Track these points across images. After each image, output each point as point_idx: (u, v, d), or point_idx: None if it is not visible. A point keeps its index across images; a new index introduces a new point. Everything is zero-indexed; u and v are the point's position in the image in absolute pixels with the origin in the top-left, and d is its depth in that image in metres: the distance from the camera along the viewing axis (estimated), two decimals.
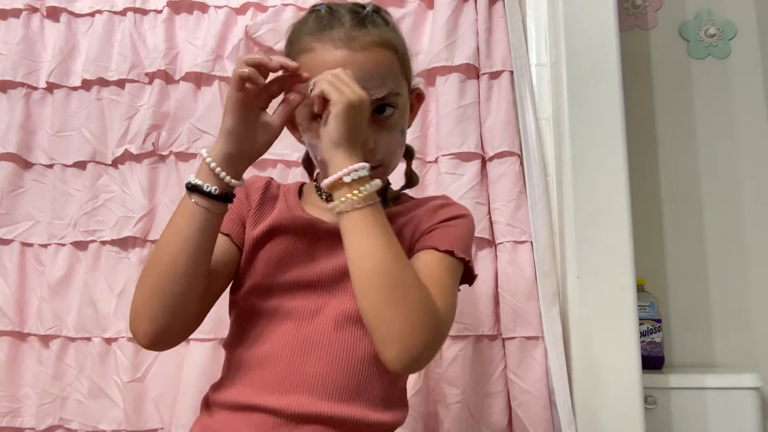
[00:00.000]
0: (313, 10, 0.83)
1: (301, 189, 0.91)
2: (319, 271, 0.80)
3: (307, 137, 0.83)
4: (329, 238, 0.81)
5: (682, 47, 1.76)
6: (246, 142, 0.75)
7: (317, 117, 0.78)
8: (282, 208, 0.85)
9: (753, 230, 1.66)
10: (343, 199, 0.71)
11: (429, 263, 0.78)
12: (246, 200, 0.86)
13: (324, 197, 0.87)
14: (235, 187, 0.76)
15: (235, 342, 0.82)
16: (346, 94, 0.71)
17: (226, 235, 0.83)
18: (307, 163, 0.95)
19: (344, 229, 0.73)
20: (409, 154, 0.96)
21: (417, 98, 0.91)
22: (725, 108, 1.72)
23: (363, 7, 0.82)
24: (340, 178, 0.71)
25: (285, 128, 0.89)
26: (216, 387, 0.82)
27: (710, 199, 1.69)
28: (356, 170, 0.71)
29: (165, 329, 0.75)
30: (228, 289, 0.86)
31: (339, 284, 0.80)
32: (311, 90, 0.74)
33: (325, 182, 0.73)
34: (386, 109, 0.80)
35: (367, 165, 0.72)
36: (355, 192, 0.71)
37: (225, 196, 0.75)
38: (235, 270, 0.84)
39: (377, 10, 0.84)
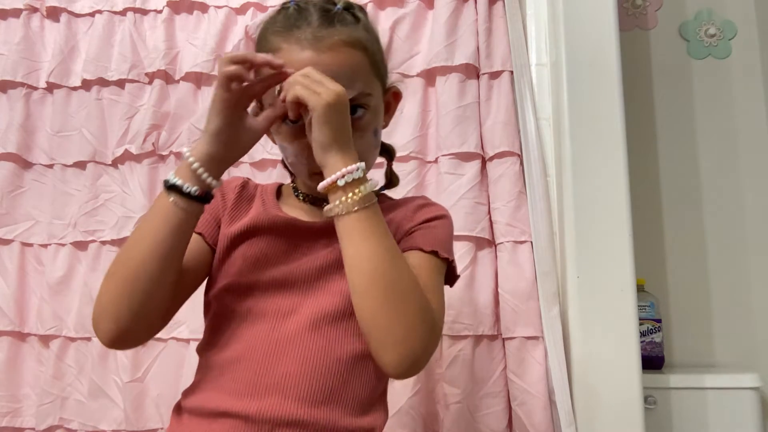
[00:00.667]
0: (283, 7, 0.81)
1: (279, 190, 0.90)
2: (295, 271, 0.78)
3: (278, 139, 0.83)
4: (307, 237, 0.80)
5: (682, 47, 1.76)
6: (230, 144, 0.74)
7: (286, 119, 0.77)
8: (259, 208, 0.83)
9: (753, 230, 1.66)
10: (338, 202, 0.71)
11: (416, 265, 0.77)
12: (222, 199, 0.85)
13: (302, 198, 0.86)
14: (214, 188, 0.75)
15: (208, 345, 0.80)
16: (323, 96, 0.69)
17: (199, 234, 0.82)
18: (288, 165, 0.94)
19: (341, 232, 0.72)
20: (389, 154, 0.95)
21: (394, 97, 0.89)
22: (725, 108, 1.72)
23: (334, 3, 0.80)
24: (335, 182, 0.70)
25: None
26: (187, 392, 0.79)
27: (710, 199, 1.69)
28: (350, 172, 0.70)
29: (128, 330, 0.73)
30: (203, 291, 0.84)
31: (315, 284, 0.78)
32: (279, 92, 0.73)
33: (320, 186, 0.72)
34: (356, 111, 0.78)
35: (362, 165, 0.71)
36: (351, 195, 0.70)
37: (204, 197, 0.74)
38: (208, 270, 0.82)
39: (348, 7, 0.81)
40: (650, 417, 1.26)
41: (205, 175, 0.73)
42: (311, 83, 0.70)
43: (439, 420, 1.20)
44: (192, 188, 0.72)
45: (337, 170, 0.70)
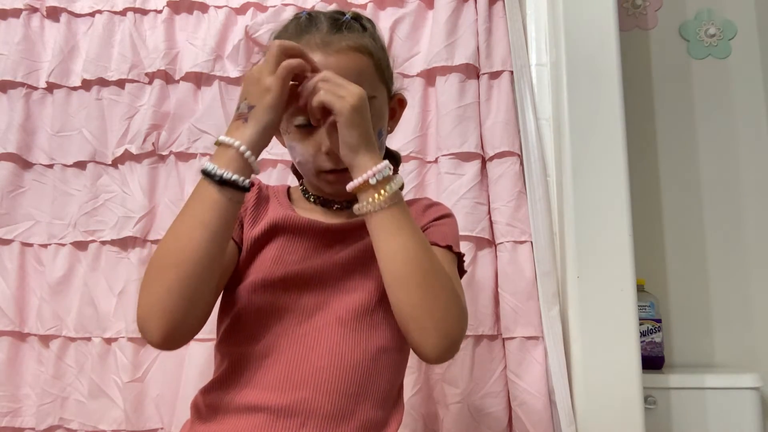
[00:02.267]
0: (295, 17, 0.86)
1: (288, 192, 0.92)
2: (320, 269, 0.80)
3: (287, 138, 0.84)
4: (327, 238, 0.82)
5: (682, 47, 1.76)
6: (270, 139, 0.75)
7: (296, 117, 0.79)
8: (277, 209, 0.85)
9: (753, 230, 1.66)
10: (370, 200, 0.72)
11: None
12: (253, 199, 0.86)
13: (313, 200, 0.88)
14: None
15: (232, 341, 0.81)
16: (347, 99, 0.71)
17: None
18: (296, 168, 0.95)
19: (374, 228, 0.74)
20: (395, 160, 0.97)
21: (399, 103, 0.92)
22: (725, 108, 1.72)
23: (343, 14, 0.84)
24: (366, 181, 0.72)
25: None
26: (210, 388, 0.80)
27: (710, 199, 1.69)
28: (380, 171, 0.72)
29: (180, 324, 0.71)
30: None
31: (339, 282, 0.80)
32: (305, 94, 0.74)
33: (350, 186, 0.74)
34: None
35: (387, 163, 0.74)
36: (381, 192, 0.72)
37: (249, 186, 0.73)
38: (235, 268, 0.84)
39: (357, 18, 0.86)
40: (650, 417, 1.26)
41: (255, 165, 0.73)
42: (333, 87, 0.73)
43: (439, 420, 1.20)
44: (246, 181, 0.72)
45: (368, 170, 0.72)
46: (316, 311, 0.78)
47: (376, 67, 0.83)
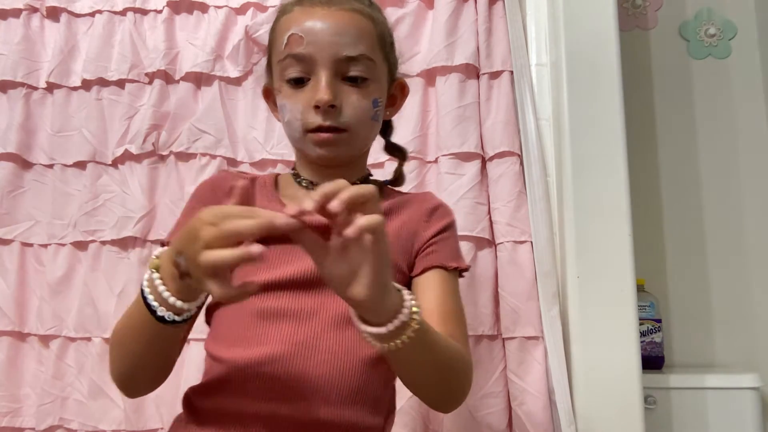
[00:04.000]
0: None
1: (276, 180, 0.88)
2: (314, 270, 0.77)
3: (279, 98, 0.82)
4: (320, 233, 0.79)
5: (682, 47, 1.76)
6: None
7: (288, 69, 0.79)
8: (266, 207, 0.79)
9: (753, 230, 1.66)
10: (392, 344, 0.62)
11: (441, 289, 0.80)
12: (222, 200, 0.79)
13: (305, 185, 0.85)
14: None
15: (223, 343, 0.77)
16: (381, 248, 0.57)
17: None
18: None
19: (394, 360, 0.67)
20: (402, 154, 0.96)
21: (401, 89, 0.90)
22: (725, 108, 1.72)
23: None
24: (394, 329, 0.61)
25: (271, 112, 0.90)
26: (203, 391, 0.77)
27: (710, 199, 1.69)
28: (400, 317, 0.61)
29: (134, 387, 0.79)
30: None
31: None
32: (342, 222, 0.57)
33: (372, 333, 0.62)
34: (359, 80, 0.80)
35: (409, 301, 0.62)
36: (402, 338, 0.62)
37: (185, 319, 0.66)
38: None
39: None
40: (650, 417, 1.26)
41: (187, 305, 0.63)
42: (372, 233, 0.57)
43: (439, 420, 1.20)
44: (184, 316, 0.64)
45: (388, 322, 0.60)
46: (312, 315, 0.75)
47: (378, 37, 0.82)
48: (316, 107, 0.77)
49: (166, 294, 0.62)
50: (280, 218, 0.54)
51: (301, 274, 0.77)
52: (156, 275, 0.63)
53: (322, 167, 0.85)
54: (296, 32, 0.78)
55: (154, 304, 0.63)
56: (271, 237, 0.68)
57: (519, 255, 1.23)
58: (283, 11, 0.84)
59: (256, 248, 0.53)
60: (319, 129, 0.78)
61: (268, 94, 0.90)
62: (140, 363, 0.73)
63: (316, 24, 0.78)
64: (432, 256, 0.83)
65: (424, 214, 0.86)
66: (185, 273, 0.59)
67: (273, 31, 0.85)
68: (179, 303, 0.62)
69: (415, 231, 0.84)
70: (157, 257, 0.64)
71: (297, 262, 0.77)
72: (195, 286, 0.59)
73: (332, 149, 0.80)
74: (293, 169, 0.89)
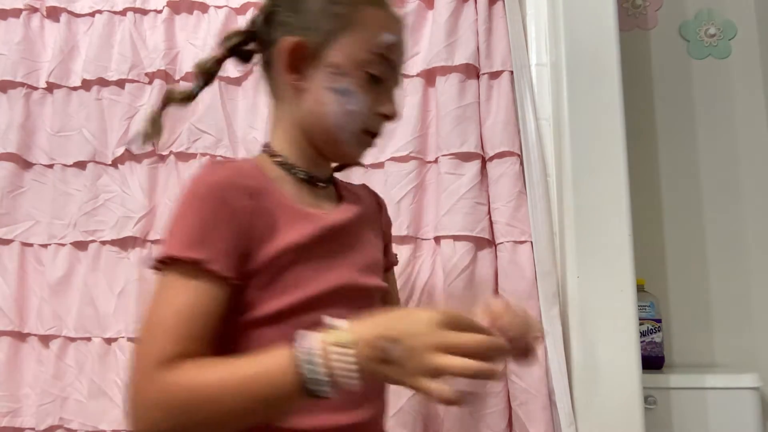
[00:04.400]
0: None
1: (272, 180, 0.80)
2: (350, 275, 0.76)
3: (347, 82, 0.76)
4: (344, 234, 0.77)
5: (682, 47, 1.76)
6: None
7: (373, 65, 0.76)
8: (292, 226, 0.73)
9: (753, 230, 1.66)
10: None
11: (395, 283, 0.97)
12: (245, 216, 0.69)
13: (301, 176, 0.78)
14: None
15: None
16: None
17: (228, 278, 0.66)
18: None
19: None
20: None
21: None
22: (725, 108, 1.72)
23: None
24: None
25: (286, 72, 0.80)
26: None
27: (710, 199, 1.69)
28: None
29: None
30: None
31: (366, 278, 0.80)
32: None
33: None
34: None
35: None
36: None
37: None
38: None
39: None
40: (650, 417, 1.26)
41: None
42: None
43: (439, 420, 1.20)
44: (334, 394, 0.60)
45: None
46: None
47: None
48: (385, 116, 0.79)
49: (350, 368, 0.57)
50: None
51: (346, 280, 0.75)
52: (341, 349, 0.58)
53: (321, 158, 0.81)
54: (395, 40, 0.80)
55: (321, 376, 0.58)
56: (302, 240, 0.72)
57: (519, 255, 1.23)
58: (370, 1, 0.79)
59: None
60: (375, 135, 0.80)
61: (300, 51, 0.76)
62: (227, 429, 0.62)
63: (401, 38, 0.81)
64: (390, 255, 0.94)
65: (377, 204, 0.92)
66: (388, 360, 0.57)
67: (357, 10, 0.77)
68: (355, 382, 0.58)
69: (386, 222, 0.94)
70: (332, 328, 0.60)
71: (339, 270, 0.75)
72: (392, 376, 0.58)
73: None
74: (277, 156, 0.79)
